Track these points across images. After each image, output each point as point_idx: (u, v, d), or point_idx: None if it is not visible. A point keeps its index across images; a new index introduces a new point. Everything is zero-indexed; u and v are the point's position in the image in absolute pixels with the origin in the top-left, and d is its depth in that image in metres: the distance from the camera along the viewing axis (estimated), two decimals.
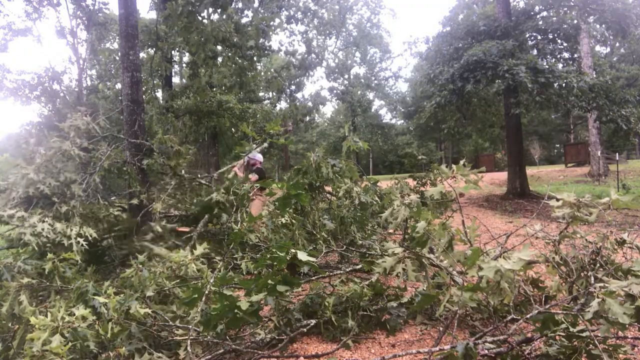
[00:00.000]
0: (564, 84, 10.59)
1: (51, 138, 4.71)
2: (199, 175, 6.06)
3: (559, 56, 14.93)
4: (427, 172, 11.57)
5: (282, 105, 34.50)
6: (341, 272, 4.50)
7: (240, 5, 18.23)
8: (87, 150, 5.05)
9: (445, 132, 18.26)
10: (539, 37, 13.86)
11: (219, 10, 14.89)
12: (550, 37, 13.65)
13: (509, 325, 2.92)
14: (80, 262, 3.88)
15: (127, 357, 2.68)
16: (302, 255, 2.93)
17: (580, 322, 2.31)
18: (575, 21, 13.15)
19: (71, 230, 4.02)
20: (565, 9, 13.22)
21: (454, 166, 3.14)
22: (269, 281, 2.78)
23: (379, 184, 6.50)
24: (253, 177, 6.74)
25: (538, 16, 13.76)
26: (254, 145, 5.63)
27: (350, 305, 3.37)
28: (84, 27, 21.37)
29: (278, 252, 2.90)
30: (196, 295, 2.84)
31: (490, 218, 9.67)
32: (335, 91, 41.50)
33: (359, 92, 41.82)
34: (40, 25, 33.66)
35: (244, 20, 18.51)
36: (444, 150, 44.96)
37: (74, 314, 2.54)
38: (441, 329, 3.13)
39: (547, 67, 10.77)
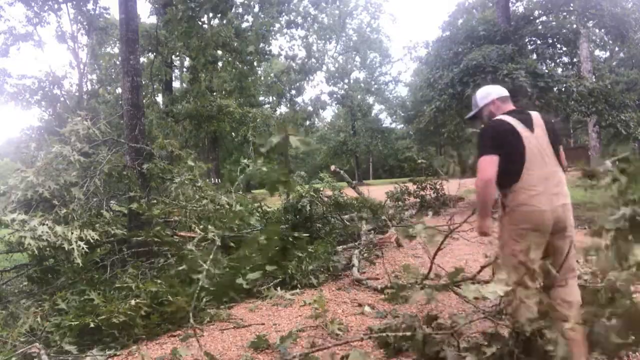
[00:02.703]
0: (563, 89, 10.61)
1: (51, 142, 4.72)
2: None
3: (558, 60, 14.98)
4: (427, 176, 11.58)
5: (283, 109, 34.58)
6: None
7: (240, 10, 18.28)
8: (87, 154, 5.05)
9: (445, 137, 18.26)
10: (539, 42, 13.88)
11: (219, 16, 14.92)
12: (550, 41, 13.68)
13: None
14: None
15: None
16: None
17: None
18: (575, 26, 13.18)
19: (72, 233, 4.00)
20: (565, 13, 13.27)
21: None
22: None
23: (379, 188, 6.62)
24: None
25: (537, 21, 13.81)
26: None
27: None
28: (84, 32, 21.46)
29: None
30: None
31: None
32: (335, 95, 41.50)
33: (358, 97, 41.83)
34: (41, 30, 33.76)
35: (244, 25, 18.55)
36: (444, 155, 44.91)
37: None
38: None
39: (546, 71, 10.79)
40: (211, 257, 2.97)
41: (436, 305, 3.89)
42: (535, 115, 2.67)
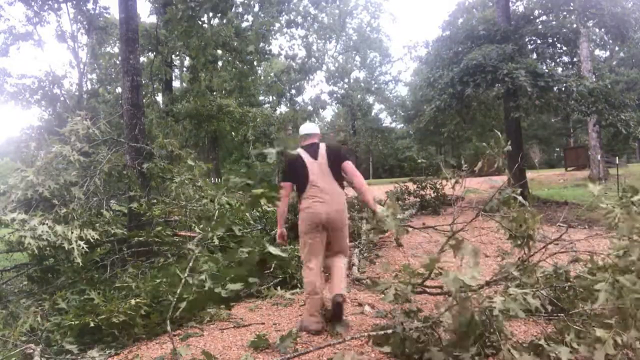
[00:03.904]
0: (563, 88, 10.60)
1: (51, 142, 4.72)
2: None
3: (558, 60, 14.95)
4: (427, 175, 11.59)
5: (283, 109, 34.57)
6: None
7: (240, 10, 18.28)
8: (87, 154, 5.05)
9: (445, 136, 18.27)
10: (539, 41, 13.86)
11: (219, 15, 14.92)
12: (550, 41, 13.66)
13: None
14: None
15: None
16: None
17: None
18: (575, 25, 13.16)
19: (72, 233, 4.00)
20: (565, 13, 13.24)
21: None
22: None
23: (379, 187, 6.62)
24: None
25: (537, 20, 13.79)
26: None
27: None
28: (84, 31, 21.42)
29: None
30: None
31: (491, 222, 9.63)
32: (335, 95, 41.52)
33: (358, 96, 41.84)
34: (41, 29, 33.74)
35: (244, 24, 18.54)
36: (444, 154, 44.91)
37: None
38: None
39: (546, 71, 10.78)
40: (190, 265, 3.01)
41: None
42: (322, 146, 3.64)
